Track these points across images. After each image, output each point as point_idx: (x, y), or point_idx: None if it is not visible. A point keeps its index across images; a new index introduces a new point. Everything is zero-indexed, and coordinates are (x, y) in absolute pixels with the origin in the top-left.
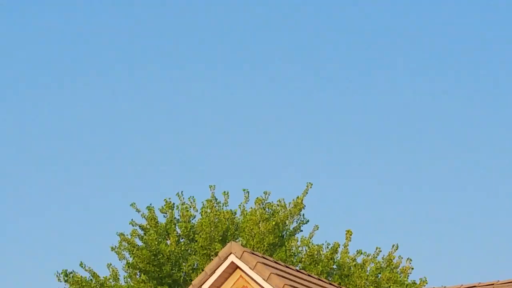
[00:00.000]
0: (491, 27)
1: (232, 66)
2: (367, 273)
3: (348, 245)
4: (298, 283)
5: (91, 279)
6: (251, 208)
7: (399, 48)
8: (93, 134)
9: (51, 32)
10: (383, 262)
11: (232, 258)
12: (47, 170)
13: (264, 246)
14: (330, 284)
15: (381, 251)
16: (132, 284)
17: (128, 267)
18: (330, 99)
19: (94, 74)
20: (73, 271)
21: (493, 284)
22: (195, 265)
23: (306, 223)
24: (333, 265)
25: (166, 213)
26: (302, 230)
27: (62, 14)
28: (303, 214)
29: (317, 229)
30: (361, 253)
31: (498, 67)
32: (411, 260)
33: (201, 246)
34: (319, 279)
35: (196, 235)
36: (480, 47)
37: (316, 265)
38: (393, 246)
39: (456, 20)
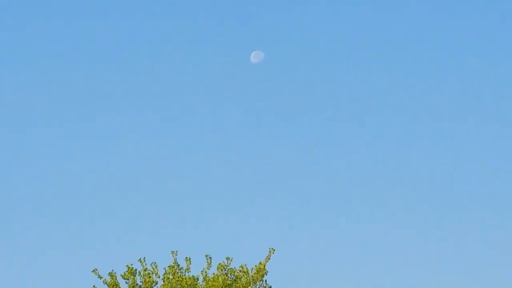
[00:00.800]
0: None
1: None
2: None
3: None
4: None
5: None
6: (214, 274)
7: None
8: (52, 196)
9: None
10: None
11: None
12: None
13: None
14: None
15: None
16: None
17: None
18: (291, 164)
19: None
20: None
21: None
22: None
23: None
24: None
25: (128, 279)
26: None
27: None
28: (266, 280)
29: None
30: None
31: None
32: None
33: None
34: None
35: None
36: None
37: None
38: None
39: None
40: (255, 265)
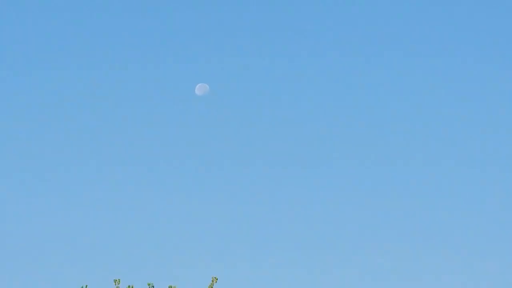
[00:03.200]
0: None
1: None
2: None
3: None
4: None
5: None
6: None
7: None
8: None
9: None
10: None
11: None
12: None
13: None
14: None
15: None
16: None
17: None
18: (238, 195)
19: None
20: None
21: None
22: None
23: None
24: None
25: None
26: None
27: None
28: None
29: None
30: None
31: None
32: None
33: None
34: None
35: None
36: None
37: None
38: None
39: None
40: None
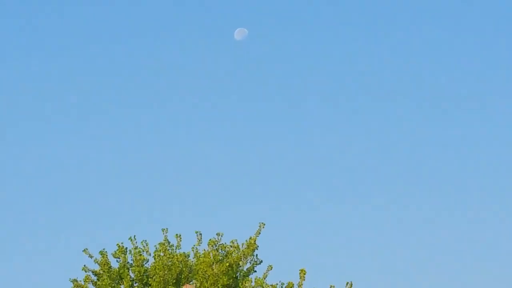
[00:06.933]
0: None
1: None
2: None
3: (302, 284)
4: None
5: None
6: (204, 250)
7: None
8: (45, 178)
9: None
10: None
11: None
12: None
13: None
14: None
15: None
16: None
17: None
18: (281, 138)
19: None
20: None
21: None
22: None
23: (260, 263)
24: None
25: (119, 258)
26: (256, 271)
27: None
28: (257, 255)
29: (271, 269)
30: None
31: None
32: None
33: None
34: None
35: (150, 279)
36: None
37: None
38: (347, 284)
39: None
40: (246, 240)
